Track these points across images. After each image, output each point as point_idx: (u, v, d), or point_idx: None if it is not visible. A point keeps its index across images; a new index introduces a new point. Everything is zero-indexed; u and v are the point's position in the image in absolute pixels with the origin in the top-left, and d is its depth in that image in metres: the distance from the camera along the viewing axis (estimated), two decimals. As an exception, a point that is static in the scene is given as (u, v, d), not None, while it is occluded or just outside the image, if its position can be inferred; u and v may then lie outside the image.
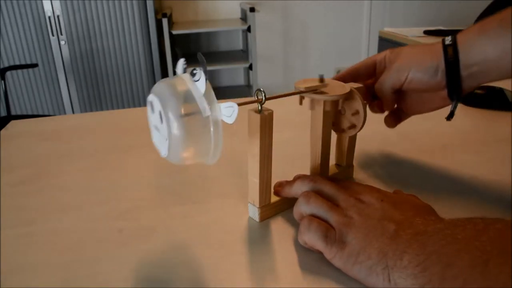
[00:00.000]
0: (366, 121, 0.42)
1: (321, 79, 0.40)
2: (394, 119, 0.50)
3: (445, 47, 0.41)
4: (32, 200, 0.46)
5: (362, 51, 3.14)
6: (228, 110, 0.32)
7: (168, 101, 0.32)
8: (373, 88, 0.47)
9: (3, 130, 0.67)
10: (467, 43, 0.40)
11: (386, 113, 0.50)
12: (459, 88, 0.42)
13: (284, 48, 3.04)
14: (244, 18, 2.81)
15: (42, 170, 0.53)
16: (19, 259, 0.36)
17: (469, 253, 0.26)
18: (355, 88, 0.42)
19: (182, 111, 0.32)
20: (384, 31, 2.32)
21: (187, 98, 0.32)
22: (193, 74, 0.33)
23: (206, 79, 0.32)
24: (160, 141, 0.34)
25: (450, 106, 0.44)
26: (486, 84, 0.69)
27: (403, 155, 0.53)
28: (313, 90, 0.40)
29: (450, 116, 0.45)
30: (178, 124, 0.32)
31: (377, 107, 0.49)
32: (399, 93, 0.47)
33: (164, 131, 0.33)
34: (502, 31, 0.38)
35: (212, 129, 0.33)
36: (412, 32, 2.12)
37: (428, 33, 2.08)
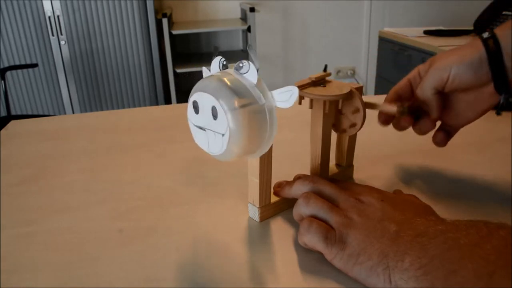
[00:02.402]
0: (366, 121, 0.42)
1: (325, 68, 0.40)
2: (443, 135, 0.47)
3: (484, 40, 0.40)
4: (32, 200, 0.46)
5: (362, 51, 3.14)
6: (285, 95, 0.32)
7: (222, 94, 0.32)
8: (416, 105, 0.45)
9: (3, 130, 0.67)
10: (507, 33, 0.39)
11: (433, 131, 0.47)
12: (506, 78, 0.40)
13: (284, 48, 3.04)
14: (244, 18, 2.80)
15: (42, 170, 0.53)
16: (19, 259, 0.36)
17: (473, 262, 0.26)
18: (355, 88, 0.42)
19: (237, 104, 0.31)
20: (384, 31, 2.32)
21: (239, 89, 0.32)
22: (239, 68, 0.33)
23: (257, 70, 0.32)
24: (209, 140, 0.34)
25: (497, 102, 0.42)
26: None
27: (403, 155, 0.53)
28: (307, 88, 0.40)
29: (500, 109, 0.43)
30: (235, 116, 0.31)
31: (426, 124, 0.45)
32: (443, 98, 0.44)
33: (220, 127, 0.32)
34: None
35: (268, 117, 0.33)
36: (412, 32, 2.12)
37: (428, 33, 2.08)
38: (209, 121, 0.33)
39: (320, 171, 0.43)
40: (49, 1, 2.24)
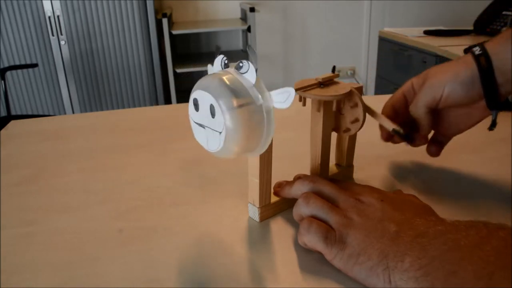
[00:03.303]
0: (366, 121, 0.42)
1: (333, 69, 0.41)
2: (436, 147, 0.48)
3: (476, 57, 0.41)
4: (32, 200, 0.46)
5: (362, 51, 3.14)
6: (282, 96, 0.32)
7: (220, 93, 0.32)
8: (409, 121, 0.46)
9: (3, 130, 0.67)
10: (498, 50, 0.40)
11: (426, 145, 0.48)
12: (497, 95, 0.41)
13: (284, 48, 3.04)
14: (244, 18, 2.81)
15: (42, 170, 0.53)
16: (19, 259, 0.36)
17: (472, 263, 0.26)
18: (355, 88, 0.42)
19: (235, 103, 0.32)
20: (384, 31, 2.32)
21: (238, 89, 0.32)
22: (239, 67, 0.33)
23: (256, 70, 0.32)
24: (208, 137, 0.34)
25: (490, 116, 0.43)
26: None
27: (403, 156, 0.53)
28: (311, 90, 0.40)
29: (492, 126, 0.44)
30: (232, 116, 0.32)
31: (418, 139, 0.46)
32: (436, 114, 0.45)
33: (217, 125, 0.33)
34: None
35: (265, 117, 0.33)
36: (412, 32, 2.12)
37: (428, 33, 2.08)
38: (208, 119, 0.33)
39: (320, 171, 0.43)
40: (49, 1, 2.24)
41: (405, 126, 0.44)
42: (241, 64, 0.33)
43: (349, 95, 0.41)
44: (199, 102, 0.34)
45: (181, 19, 2.87)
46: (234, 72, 0.33)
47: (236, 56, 2.79)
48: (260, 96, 0.33)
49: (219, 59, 0.35)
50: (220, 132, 0.33)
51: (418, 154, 0.53)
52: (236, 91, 0.32)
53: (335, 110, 0.44)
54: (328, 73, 0.43)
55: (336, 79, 0.43)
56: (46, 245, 0.38)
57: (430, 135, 0.48)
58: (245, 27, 2.57)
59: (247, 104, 0.32)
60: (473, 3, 2.40)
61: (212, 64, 0.36)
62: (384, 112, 0.47)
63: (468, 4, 2.73)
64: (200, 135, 0.36)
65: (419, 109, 0.44)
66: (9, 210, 0.44)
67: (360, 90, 0.43)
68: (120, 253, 0.37)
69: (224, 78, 0.33)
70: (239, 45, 3.00)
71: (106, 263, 0.35)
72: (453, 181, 0.47)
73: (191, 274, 0.34)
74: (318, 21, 2.99)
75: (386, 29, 2.35)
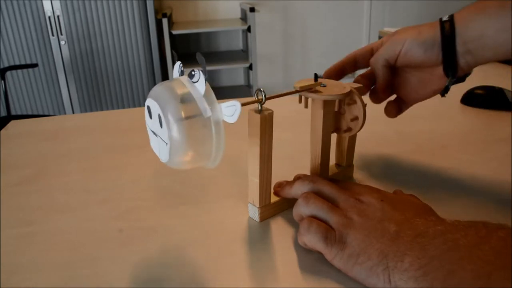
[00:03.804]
0: (367, 121, 0.42)
1: (316, 78, 0.40)
2: (394, 108, 0.49)
3: (442, 22, 0.41)
4: (32, 200, 0.46)
5: (362, 51, 3.14)
6: (230, 110, 0.32)
7: (167, 104, 0.31)
8: (372, 76, 0.47)
9: (3, 130, 0.67)
10: (465, 19, 0.40)
11: (384, 103, 0.49)
12: (455, 63, 0.41)
13: (284, 48, 3.04)
14: (244, 18, 2.81)
15: (42, 170, 0.53)
16: (19, 259, 0.36)
17: (471, 263, 0.26)
18: (355, 88, 0.42)
19: (183, 114, 0.31)
20: (384, 31, 2.32)
21: (187, 100, 0.32)
22: (191, 76, 0.32)
23: (205, 80, 0.32)
24: (159, 146, 0.34)
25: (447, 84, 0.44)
26: (486, 84, 0.69)
27: (403, 155, 0.53)
28: (310, 90, 0.40)
29: (444, 92, 0.44)
30: (179, 128, 0.31)
31: (374, 96, 0.48)
32: (396, 73, 0.46)
33: (164, 136, 0.32)
34: (501, 10, 0.38)
35: (214, 130, 0.32)
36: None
37: (428, 33, 2.08)
38: (158, 128, 0.33)
39: (320, 171, 0.43)
40: (49, 1, 2.25)
41: (366, 80, 0.46)
42: (193, 73, 0.32)
43: (349, 94, 0.41)
44: (151, 110, 0.33)
45: (181, 19, 2.87)
46: (187, 81, 0.33)
47: (236, 56, 2.79)
48: (208, 108, 0.32)
49: (177, 66, 0.34)
50: (167, 144, 0.32)
51: (418, 154, 0.53)
52: (184, 102, 0.31)
53: (336, 110, 0.44)
54: (309, 79, 0.42)
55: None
56: (46, 245, 0.38)
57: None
58: (245, 27, 2.57)
59: (194, 116, 0.31)
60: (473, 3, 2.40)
61: (209, 66, 0.35)
62: (345, 59, 0.48)
63: (468, 4, 2.73)
64: (154, 143, 0.35)
65: (377, 61, 0.45)
66: (9, 210, 0.44)
67: (360, 90, 0.43)
68: (120, 253, 0.37)
69: (174, 87, 0.32)
70: (239, 45, 3.00)
71: (106, 263, 0.36)
72: (453, 181, 0.47)
73: (191, 274, 0.34)
74: (318, 21, 2.99)
75: (386, 29, 2.34)
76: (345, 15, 3.01)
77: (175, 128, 0.31)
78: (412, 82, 0.46)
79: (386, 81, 0.46)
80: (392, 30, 2.32)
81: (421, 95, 0.47)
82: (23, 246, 0.38)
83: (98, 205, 0.45)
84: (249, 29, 2.55)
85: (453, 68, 0.42)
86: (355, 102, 0.42)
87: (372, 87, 0.48)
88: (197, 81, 0.32)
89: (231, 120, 0.32)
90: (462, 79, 0.44)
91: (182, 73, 0.34)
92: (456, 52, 0.41)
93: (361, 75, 0.48)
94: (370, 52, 0.48)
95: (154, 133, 0.34)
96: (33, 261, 0.36)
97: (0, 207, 0.45)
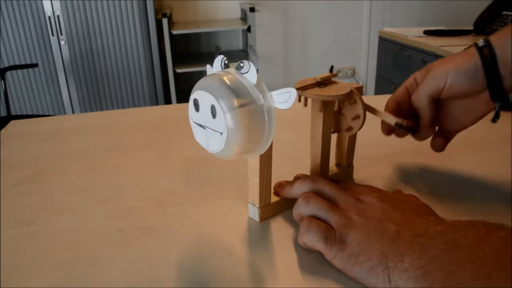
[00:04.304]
0: (366, 121, 0.42)
1: (331, 69, 0.41)
2: (441, 141, 0.47)
3: (479, 48, 0.41)
4: (32, 200, 0.46)
5: (362, 51, 3.14)
6: (283, 96, 0.32)
7: (221, 93, 0.32)
8: (413, 114, 0.45)
9: (3, 130, 0.67)
10: (502, 42, 0.40)
11: (430, 138, 0.48)
12: (501, 87, 0.41)
13: (284, 48, 3.04)
14: (244, 18, 2.80)
15: (42, 170, 0.53)
16: (19, 259, 0.36)
17: (471, 262, 0.26)
18: (355, 88, 0.42)
19: (236, 103, 0.32)
20: (384, 31, 2.32)
21: (238, 89, 0.32)
22: (240, 67, 0.33)
23: (257, 70, 0.32)
24: (209, 138, 0.34)
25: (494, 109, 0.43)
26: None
27: (403, 155, 0.53)
28: (311, 90, 0.40)
29: (495, 118, 0.43)
30: (233, 116, 0.32)
31: (424, 131, 0.46)
32: (438, 105, 0.45)
33: (218, 126, 0.32)
34: None
35: (266, 117, 0.33)
36: (412, 32, 2.12)
37: (428, 33, 2.08)
38: (208, 119, 0.33)
39: (320, 171, 0.43)
40: (49, 1, 2.24)
41: (408, 119, 0.44)
42: (242, 65, 0.33)
43: (349, 96, 0.41)
44: (200, 103, 0.34)
45: (181, 19, 2.87)
46: (235, 72, 0.33)
47: (236, 56, 2.79)
48: (261, 96, 0.33)
49: (219, 59, 0.35)
50: (221, 133, 0.33)
51: (418, 154, 0.53)
52: (237, 91, 0.32)
53: (335, 110, 0.44)
54: (326, 72, 0.43)
55: (335, 79, 0.43)
56: (46, 245, 0.38)
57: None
58: (245, 27, 2.57)
59: (248, 104, 0.32)
60: (473, 3, 2.40)
61: (212, 65, 0.36)
62: (387, 107, 0.47)
63: (468, 4, 2.73)
64: (200, 136, 0.36)
65: (421, 99, 0.44)
66: (9, 210, 0.44)
67: (360, 90, 0.43)
68: (120, 253, 0.37)
69: (225, 78, 0.33)
70: (239, 45, 3.00)
71: (106, 263, 0.36)
72: (453, 181, 0.47)
73: (191, 274, 0.34)
74: (318, 21, 2.99)
75: (386, 29, 2.35)
76: (345, 15, 3.01)
77: (229, 116, 0.31)
78: (456, 113, 0.45)
79: (433, 118, 0.45)
80: (392, 30, 2.32)
81: (466, 123, 0.46)
82: (23, 246, 0.38)
83: (98, 205, 0.45)
84: (249, 29, 2.55)
85: (500, 93, 0.41)
86: (355, 101, 0.42)
87: (413, 124, 0.46)
88: (247, 72, 0.33)
89: (286, 106, 0.32)
90: (508, 101, 0.43)
91: (226, 66, 0.35)
92: (500, 75, 0.40)
93: (392, 99, 0.47)
94: (407, 93, 0.46)
95: (201, 126, 0.35)
96: (33, 261, 0.36)
97: (0, 207, 0.45)
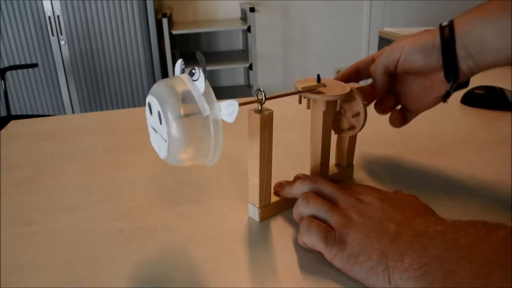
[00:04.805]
0: (367, 121, 0.42)
1: (318, 78, 0.40)
2: (398, 117, 0.48)
3: (441, 27, 0.41)
4: (32, 200, 0.46)
5: (362, 51, 3.14)
6: (228, 109, 0.32)
7: (167, 101, 0.32)
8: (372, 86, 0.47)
9: (3, 130, 0.67)
10: (464, 23, 0.40)
11: (389, 114, 0.49)
12: (456, 67, 0.41)
13: (284, 48, 3.04)
14: (244, 18, 2.80)
15: (42, 170, 0.53)
16: (19, 259, 0.36)
17: (471, 262, 0.26)
18: (356, 88, 0.42)
19: (182, 112, 0.31)
20: (384, 31, 2.32)
21: (186, 98, 0.32)
22: (191, 74, 0.32)
23: (205, 78, 0.32)
24: (159, 142, 0.34)
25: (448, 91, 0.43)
26: (486, 84, 0.69)
27: (403, 155, 0.53)
28: (312, 90, 0.40)
29: (446, 97, 0.44)
30: (178, 125, 0.31)
31: (377, 106, 0.48)
32: (399, 80, 0.46)
33: (163, 133, 0.32)
34: (501, 13, 0.38)
35: (212, 129, 0.33)
36: (412, 32, 2.11)
37: (428, 33, 2.08)
38: (157, 125, 0.33)
39: (320, 171, 0.43)
40: (49, 1, 2.24)
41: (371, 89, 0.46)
42: (193, 71, 0.32)
43: (349, 97, 0.41)
44: (152, 107, 0.33)
45: (181, 19, 2.87)
46: (187, 79, 0.33)
47: (236, 56, 2.79)
48: (207, 107, 0.32)
49: (178, 64, 0.35)
50: (166, 140, 0.32)
51: (418, 154, 0.53)
52: (183, 100, 0.31)
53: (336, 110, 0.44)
54: (313, 79, 0.41)
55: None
56: (46, 245, 0.38)
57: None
58: (245, 27, 2.57)
59: (193, 114, 0.32)
60: (473, 3, 2.40)
61: (209, 66, 0.35)
62: (348, 69, 0.49)
63: (468, 4, 2.71)
64: (153, 140, 0.35)
65: (377, 68, 0.45)
66: (9, 210, 0.44)
67: (360, 90, 0.43)
68: (120, 253, 0.37)
69: (175, 85, 0.32)
70: (239, 45, 3.00)
71: (106, 263, 0.36)
72: (453, 181, 0.47)
73: (191, 274, 0.34)
74: (318, 21, 2.99)
75: (386, 29, 2.35)
76: (345, 15, 3.01)
77: (174, 125, 0.31)
78: (415, 90, 0.46)
79: (385, 88, 0.46)
80: (392, 30, 2.32)
81: (425, 103, 0.47)
82: (23, 246, 0.38)
83: (98, 205, 0.45)
84: (249, 29, 2.55)
85: (454, 73, 0.41)
86: (354, 98, 0.42)
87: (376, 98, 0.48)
88: (197, 80, 0.32)
89: (229, 119, 0.32)
90: (464, 84, 0.43)
91: (183, 71, 0.34)
92: (456, 56, 0.40)
93: (354, 64, 0.49)
94: (372, 62, 0.47)
95: (154, 129, 0.35)
96: (33, 261, 0.36)
97: (0, 207, 0.45)
